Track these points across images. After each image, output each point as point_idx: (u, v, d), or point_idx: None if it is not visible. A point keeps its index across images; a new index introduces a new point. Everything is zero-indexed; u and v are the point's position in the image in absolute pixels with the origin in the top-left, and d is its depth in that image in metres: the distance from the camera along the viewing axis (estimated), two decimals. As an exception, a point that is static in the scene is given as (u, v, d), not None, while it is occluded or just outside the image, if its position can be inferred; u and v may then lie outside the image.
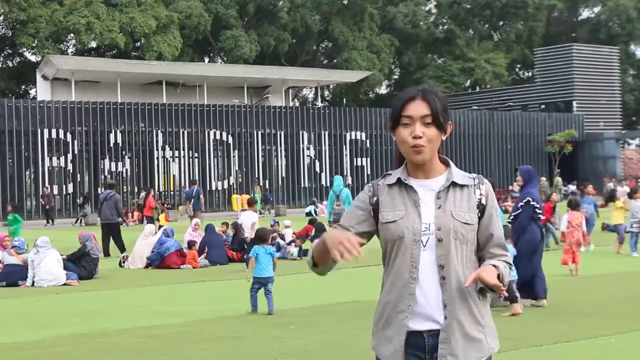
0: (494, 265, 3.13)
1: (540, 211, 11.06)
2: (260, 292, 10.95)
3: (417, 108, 3.16)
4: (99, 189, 45.85)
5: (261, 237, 11.41)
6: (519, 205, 11.02)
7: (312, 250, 3.24)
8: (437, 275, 3.12)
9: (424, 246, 3.13)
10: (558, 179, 52.27)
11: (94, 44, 59.47)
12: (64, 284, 14.87)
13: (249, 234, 17.22)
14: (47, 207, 39.89)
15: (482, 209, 3.22)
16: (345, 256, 2.97)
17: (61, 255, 15.51)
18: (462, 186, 3.21)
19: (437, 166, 3.23)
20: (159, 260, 17.70)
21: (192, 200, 27.06)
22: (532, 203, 10.95)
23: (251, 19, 67.80)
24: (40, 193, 42.59)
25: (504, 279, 3.15)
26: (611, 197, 19.57)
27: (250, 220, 17.69)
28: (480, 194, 3.23)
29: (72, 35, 58.30)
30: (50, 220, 38.88)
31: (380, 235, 3.25)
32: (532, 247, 10.97)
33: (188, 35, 61.80)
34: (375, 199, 3.24)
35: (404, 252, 3.14)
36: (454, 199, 3.18)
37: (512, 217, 11.20)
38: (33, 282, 14.80)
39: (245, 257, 17.78)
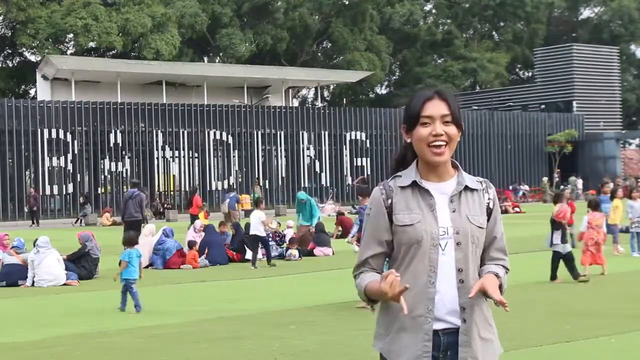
0: (496, 274, 3.15)
1: None
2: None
3: (437, 108, 3.16)
4: (99, 189, 45.96)
5: (130, 240, 11.89)
6: None
7: (368, 293, 3.18)
8: (456, 279, 3.12)
9: (443, 250, 3.12)
10: (573, 179, 52.46)
11: (92, 45, 59.37)
12: (64, 284, 14.87)
13: (259, 232, 17.18)
14: (34, 208, 39.40)
15: (489, 212, 3.24)
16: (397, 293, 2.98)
17: (61, 255, 15.51)
18: (472, 190, 3.23)
19: (449, 169, 3.23)
20: (161, 263, 17.74)
21: (229, 201, 28.41)
22: None
23: (249, 18, 67.77)
24: (29, 194, 41.33)
25: (503, 285, 3.18)
26: (612, 196, 19.45)
27: (258, 219, 17.51)
28: (489, 198, 3.26)
29: (71, 35, 58.27)
30: (35, 221, 38.48)
31: (394, 238, 3.21)
32: None
33: (186, 34, 61.73)
34: (389, 201, 3.20)
35: (422, 256, 3.12)
36: (467, 202, 3.19)
37: None
38: (33, 282, 14.80)
39: (265, 255, 17.82)
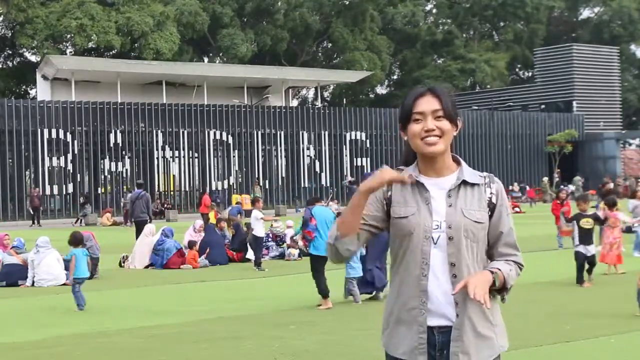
0: (493, 270, 3.12)
1: None
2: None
3: (428, 103, 3.18)
4: (99, 189, 45.95)
5: (76, 240, 11.92)
6: None
7: (341, 217, 3.22)
8: (449, 273, 3.12)
9: (435, 243, 3.13)
10: (578, 178, 52.44)
11: (91, 45, 59.31)
12: (64, 284, 14.87)
13: (257, 232, 17.13)
14: (41, 207, 39.25)
15: (492, 207, 3.22)
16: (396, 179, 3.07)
17: (61, 255, 15.50)
18: (472, 185, 3.21)
19: (449, 164, 3.23)
20: (160, 264, 17.75)
21: (231, 209, 28.66)
22: None
23: (249, 18, 67.76)
24: (31, 193, 41.16)
25: (508, 281, 3.14)
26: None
27: (254, 218, 17.46)
28: (491, 193, 3.23)
29: (69, 36, 58.20)
30: (36, 221, 38.38)
31: (390, 231, 3.24)
32: (381, 247, 11.56)
33: (185, 34, 61.66)
34: (389, 193, 3.23)
35: (414, 249, 3.14)
36: (465, 197, 3.18)
37: None
38: (33, 282, 14.81)
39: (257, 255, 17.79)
